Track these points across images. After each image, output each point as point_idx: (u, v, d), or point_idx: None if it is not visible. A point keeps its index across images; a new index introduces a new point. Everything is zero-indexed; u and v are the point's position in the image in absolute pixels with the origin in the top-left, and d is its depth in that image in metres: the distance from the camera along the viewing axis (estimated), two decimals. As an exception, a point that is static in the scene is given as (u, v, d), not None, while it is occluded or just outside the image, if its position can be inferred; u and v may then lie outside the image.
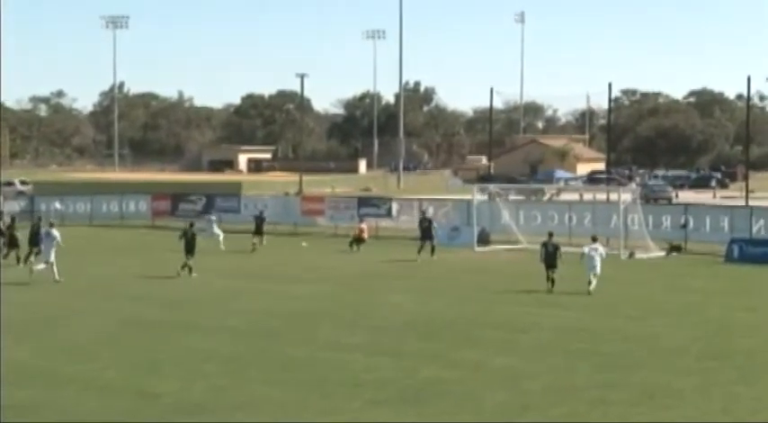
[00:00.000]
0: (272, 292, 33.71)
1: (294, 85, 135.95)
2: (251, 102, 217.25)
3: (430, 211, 50.60)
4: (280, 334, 26.00)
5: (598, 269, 33.11)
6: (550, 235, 34.89)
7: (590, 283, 32.89)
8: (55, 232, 36.72)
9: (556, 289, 33.22)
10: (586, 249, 33.92)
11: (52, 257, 36.12)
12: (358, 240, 48.07)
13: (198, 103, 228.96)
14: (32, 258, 38.89)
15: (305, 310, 29.78)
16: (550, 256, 33.77)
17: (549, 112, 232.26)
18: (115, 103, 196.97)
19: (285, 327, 27.02)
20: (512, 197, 59.92)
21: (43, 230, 38.15)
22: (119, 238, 55.94)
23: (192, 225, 39.39)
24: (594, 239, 34.63)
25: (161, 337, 25.62)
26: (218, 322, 27.68)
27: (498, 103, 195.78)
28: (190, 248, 37.83)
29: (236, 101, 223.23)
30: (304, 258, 44.76)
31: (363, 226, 49.18)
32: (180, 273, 37.40)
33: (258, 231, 49.54)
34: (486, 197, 54.04)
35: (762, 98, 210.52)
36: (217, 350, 23.83)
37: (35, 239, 39.73)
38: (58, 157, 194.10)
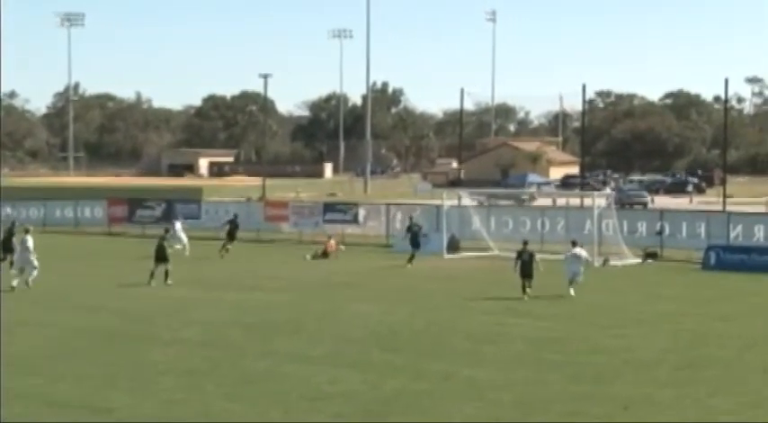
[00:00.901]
0: (231, 302, 33.54)
1: (257, 86, 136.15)
2: (212, 103, 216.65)
3: (417, 216, 50.56)
4: (239, 346, 25.86)
5: (580, 275, 34.06)
6: (525, 243, 35.10)
7: (571, 283, 33.76)
8: (29, 239, 36.68)
9: (527, 299, 33.41)
10: (568, 254, 34.59)
11: (35, 262, 36.21)
12: (324, 254, 47.97)
13: (157, 104, 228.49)
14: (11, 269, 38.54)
15: (266, 321, 29.65)
16: (526, 265, 33.96)
17: (522, 115, 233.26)
18: (70, 105, 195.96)
19: (245, 338, 26.89)
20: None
21: (19, 237, 38.07)
22: (73, 245, 55.54)
23: (167, 231, 39.54)
24: (575, 244, 35.16)
25: (115, 349, 25.42)
26: (174, 334, 27.51)
27: (469, 105, 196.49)
28: (159, 256, 37.79)
29: (197, 102, 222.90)
30: (265, 267, 44.62)
31: (332, 242, 49.05)
32: (150, 283, 37.26)
33: (230, 236, 49.55)
34: (456, 202, 54.06)
35: (739, 100, 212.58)
36: (173, 363, 23.66)
37: (8, 246, 39.85)
38: (10, 160, 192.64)
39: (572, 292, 33.72)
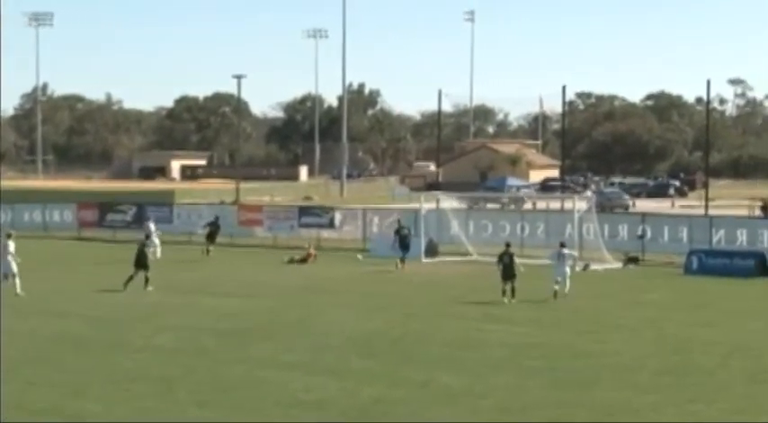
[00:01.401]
0: (205, 308, 33.52)
1: (230, 87, 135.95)
2: (184, 104, 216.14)
3: (405, 219, 50.61)
4: (213, 352, 25.86)
5: (568, 274, 34.92)
6: (507, 245, 35.71)
7: (556, 283, 34.51)
8: (11, 244, 36.54)
9: (507, 303, 33.60)
10: (554, 254, 35.53)
11: (15, 269, 36.04)
12: (302, 260, 47.94)
13: (127, 105, 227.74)
14: None
15: (240, 327, 29.65)
16: (507, 267, 34.43)
17: (501, 117, 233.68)
18: (38, 106, 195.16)
19: (219, 344, 26.88)
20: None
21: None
22: (42, 250, 55.29)
23: (147, 237, 39.53)
24: (563, 245, 36.02)
25: (87, 355, 25.39)
26: (147, 340, 27.48)
27: (447, 107, 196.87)
28: (139, 262, 37.82)
29: (169, 103, 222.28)
30: (240, 272, 44.59)
31: (313, 251, 49.01)
32: (128, 286, 37.21)
33: (211, 239, 49.68)
34: (434, 206, 54.19)
35: (722, 102, 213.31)
36: (145, 369, 23.64)
37: None
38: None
39: (562, 289, 34.57)
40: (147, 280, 37.48)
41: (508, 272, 34.40)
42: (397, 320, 30.94)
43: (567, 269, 35.23)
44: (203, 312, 32.55)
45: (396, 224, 48.60)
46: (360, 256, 49.19)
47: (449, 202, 54.16)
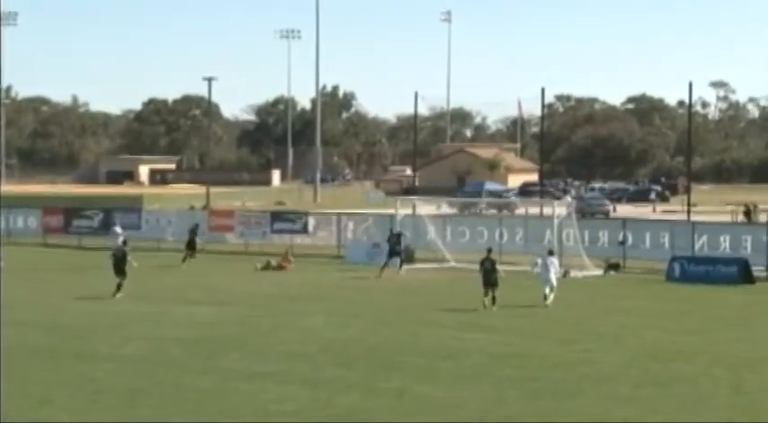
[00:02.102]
0: (174, 317, 33.43)
1: (201, 89, 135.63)
2: (153, 107, 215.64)
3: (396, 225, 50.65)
4: (182, 363, 25.78)
5: (554, 282, 35.40)
6: (489, 251, 36.12)
7: (545, 297, 35.00)
8: None
9: (486, 311, 33.73)
10: (539, 261, 35.96)
11: None
12: (277, 267, 47.83)
13: (94, 108, 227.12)
14: None
15: (211, 336, 29.57)
16: (489, 273, 34.75)
17: (478, 120, 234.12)
18: (1, 109, 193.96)
19: (188, 354, 26.81)
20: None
21: None
22: (5, 257, 54.96)
23: (125, 243, 39.42)
24: (551, 253, 36.91)
25: (54, 365, 25.27)
26: (114, 350, 27.38)
27: (423, 110, 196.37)
28: (119, 269, 37.94)
29: (137, 106, 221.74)
30: (211, 279, 44.48)
31: (290, 259, 48.91)
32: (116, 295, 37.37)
33: (190, 246, 50.13)
34: (410, 211, 54.22)
35: (704, 105, 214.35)
36: (113, 380, 23.54)
37: None
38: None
39: (548, 301, 35.02)
40: (119, 287, 37.54)
41: (489, 278, 34.70)
42: (372, 328, 30.94)
43: (553, 277, 35.58)
44: (173, 321, 32.45)
45: (389, 232, 48.68)
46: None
47: (432, 208, 54.06)
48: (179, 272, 46.81)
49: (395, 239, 46.71)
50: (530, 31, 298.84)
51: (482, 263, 35.31)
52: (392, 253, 46.03)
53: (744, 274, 42.53)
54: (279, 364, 25.48)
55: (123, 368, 24.98)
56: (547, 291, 35.18)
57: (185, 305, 36.24)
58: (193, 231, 51.48)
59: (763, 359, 26.37)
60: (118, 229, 51.72)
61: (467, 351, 27.13)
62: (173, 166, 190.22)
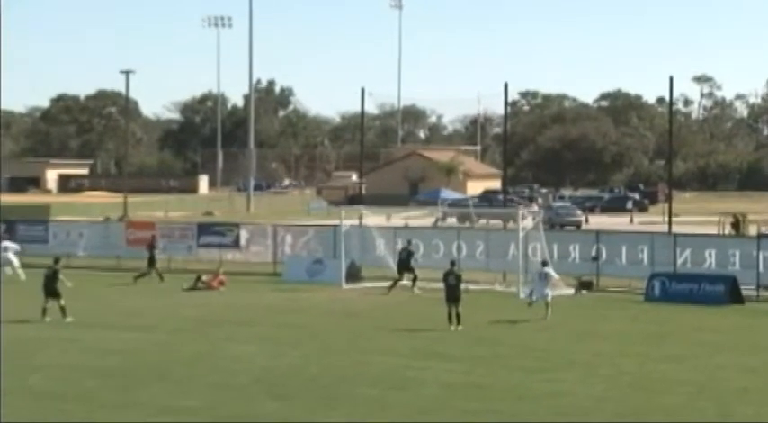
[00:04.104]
0: (86, 343, 33.19)
1: (117, 84, 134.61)
2: (63, 105, 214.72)
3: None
4: (95, 395, 25.60)
5: (549, 296, 37.16)
6: (452, 264, 36.88)
7: (530, 304, 37.19)
8: None
9: (448, 333, 33.70)
10: (535, 274, 37.78)
11: None
12: (206, 286, 47.53)
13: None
14: None
15: (127, 366, 29.39)
16: (452, 288, 35.31)
17: (433, 119, 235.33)
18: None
19: (102, 386, 26.63)
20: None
21: None
22: None
23: (57, 261, 39.19)
24: (545, 264, 38.64)
25: (-56, 401, 24.98)
26: (15, 381, 27.10)
27: (371, 108, 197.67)
28: (48, 290, 37.86)
29: (44, 103, 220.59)
30: (128, 300, 44.26)
31: (223, 278, 48.63)
32: (43, 319, 37.21)
33: (152, 263, 50.67)
34: (357, 222, 54.17)
35: (687, 102, 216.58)
36: (15, 416, 23.32)
37: None
38: None
39: (548, 317, 36.75)
40: (62, 309, 37.55)
41: (453, 293, 35.18)
42: (313, 356, 30.86)
43: (549, 291, 37.32)
44: (85, 348, 32.23)
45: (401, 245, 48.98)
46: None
47: (381, 219, 54.10)
48: (91, 292, 46.43)
49: (405, 254, 47.19)
50: (491, 19, 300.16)
51: (445, 277, 35.80)
52: (402, 269, 46.59)
53: (732, 293, 42.82)
54: (205, 397, 25.34)
55: (28, 402, 24.75)
56: (544, 306, 37.02)
57: (99, 330, 36.01)
58: (152, 246, 51.63)
59: (754, 389, 26.54)
60: (8, 244, 51.53)
61: (421, 381, 27.11)
62: (85, 171, 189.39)
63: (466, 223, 52.30)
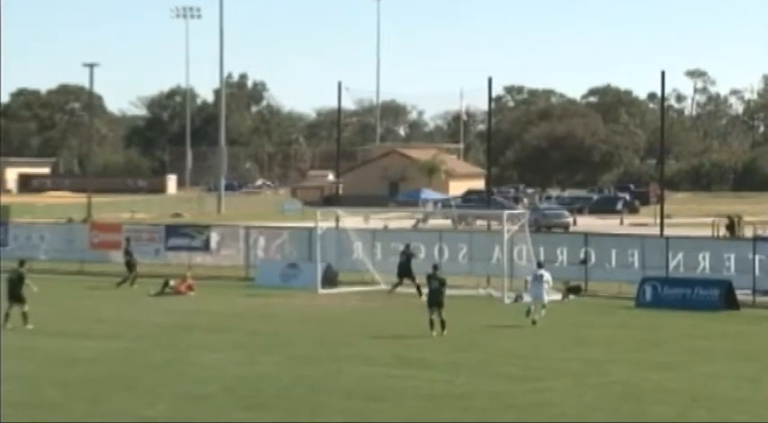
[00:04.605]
0: (48, 352, 33.09)
1: (80, 78, 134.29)
2: (22, 100, 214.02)
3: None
4: (57, 406, 25.52)
5: (545, 298, 38.00)
6: (435, 268, 36.84)
7: (529, 311, 37.61)
8: None
9: (431, 339, 33.73)
10: (530, 277, 38.60)
11: None
12: (174, 291, 47.49)
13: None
14: None
15: (92, 375, 29.32)
16: (435, 293, 35.40)
17: (413, 115, 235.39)
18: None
19: (65, 397, 26.55)
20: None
21: None
22: None
23: (22, 263, 39.07)
24: (540, 265, 39.45)
25: None
26: (-25, 392, 27.02)
27: (348, 103, 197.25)
28: (12, 294, 37.80)
29: (3, 98, 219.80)
30: (92, 306, 44.20)
31: (191, 282, 48.59)
32: (5, 326, 37.17)
33: (129, 267, 50.88)
34: (333, 224, 54.19)
35: (679, 98, 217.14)
36: (-27, 429, 23.27)
37: None
38: None
39: (538, 317, 37.48)
40: (24, 316, 37.44)
41: (435, 298, 35.23)
42: (286, 364, 30.83)
43: (545, 293, 38.04)
44: (47, 357, 32.14)
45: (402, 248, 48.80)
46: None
47: (359, 221, 54.14)
48: (53, 298, 46.27)
49: (404, 259, 47.21)
50: (474, 10, 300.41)
51: (428, 280, 36.05)
52: (402, 274, 46.58)
53: (726, 298, 42.92)
54: (173, 407, 25.31)
55: (-15, 414, 24.67)
56: (535, 308, 37.63)
57: (62, 338, 35.93)
58: (128, 252, 51.83)
59: (749, 399, 26.61)
60: None
61: (401, 391, 27.10)
62: (47, 170, 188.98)
63: (462, 224, 52.23)
